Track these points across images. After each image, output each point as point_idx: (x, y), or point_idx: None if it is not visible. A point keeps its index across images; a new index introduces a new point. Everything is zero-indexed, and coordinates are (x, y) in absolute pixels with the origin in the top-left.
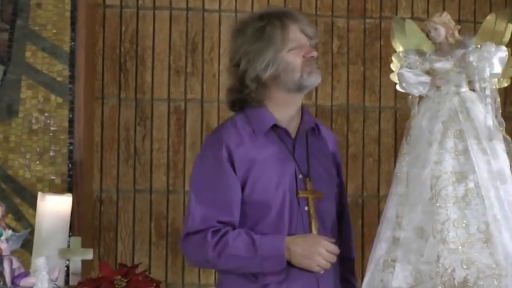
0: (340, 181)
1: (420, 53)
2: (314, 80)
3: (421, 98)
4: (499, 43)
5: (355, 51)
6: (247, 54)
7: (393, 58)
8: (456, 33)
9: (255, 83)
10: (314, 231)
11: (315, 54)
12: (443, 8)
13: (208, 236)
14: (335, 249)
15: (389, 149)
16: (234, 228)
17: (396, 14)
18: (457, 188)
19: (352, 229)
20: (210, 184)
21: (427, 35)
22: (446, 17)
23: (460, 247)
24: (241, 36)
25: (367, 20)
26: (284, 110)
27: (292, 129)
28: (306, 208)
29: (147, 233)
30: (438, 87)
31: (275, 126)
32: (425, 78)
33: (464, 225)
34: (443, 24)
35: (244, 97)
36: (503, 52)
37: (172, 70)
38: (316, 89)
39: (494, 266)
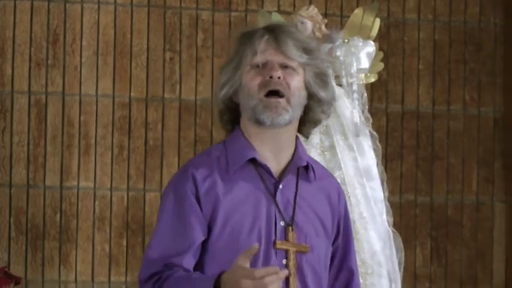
0: (345, 240)
1: None
2: (267, 118)
3: None
4: (366, 37)
5: (220, 45)
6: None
7: None
8: (323, 27)
9: (223, 104)
10: None
11: (278, 74)
12: (310, 2)
13: (148, 285)
14: (261, 272)
15: None
16: (185, 270)
17: (262, 7)
18: None
19: None
20: (166, 221)
21: None
22: (313, 10)
23: None
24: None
25: (233, 13)
26: (264, 142)
27: (278, 168)
28: (284, 262)
29: (6, 229)
30: None
31: (254, 161)
32: None
33: None
34: (310, 18)
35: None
36: (370, 47)
37: (33, 62)
38: (180, 82)
39: (359, 264)
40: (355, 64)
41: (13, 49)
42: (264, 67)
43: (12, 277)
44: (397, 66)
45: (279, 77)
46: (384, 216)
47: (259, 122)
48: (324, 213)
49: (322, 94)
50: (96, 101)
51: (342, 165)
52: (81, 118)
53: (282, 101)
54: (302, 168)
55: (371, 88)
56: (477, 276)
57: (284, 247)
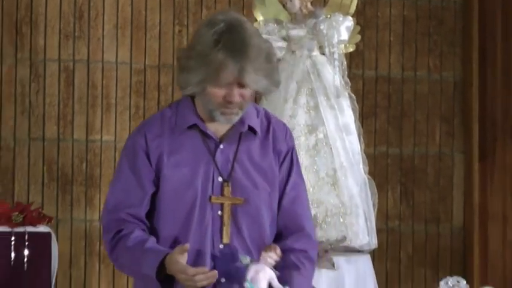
0: (286, 169)
1: (278, 22)
2: (223, 120)
3: (278, 60)
4: (345, 14)
5: None
6: (188, 60)
7: (255, 25)
8: (309, 5)
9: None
10: (225, 237)
11: (236, 100)
12: None
13: (109, 235)
14: (192, 271)
15: None
16: (140, 220)
17: None
18: (308, 139)
19: (305, 224)
20: (125, 172)
21: (284, 6)
22: None
23: (311, 189)
24: (198, 37)
25: None
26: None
27: (222, 131)
28: (220, 213)
29: (40, 176)
30: (293, 51)
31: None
32: (282, 44)
33: (314, 170)
34: None
35: None
36: (349, 22)
37: (62, 34)
38: None
39: (340, 205)
40: (336, 36)
41: (45, 24)
42: (227, 85)
43: (45, 217)
44: (372, 38)
45: (237, 101)
46: (361, 165)
47: (213, 119)
48: (268, 164)
49: (264, 92)
50: (116, 68)
51: (325, 122)
52: (103, 82)
53: (235, 110)
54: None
55: (349, 57)
56: (439, 216)
57: (219, 201)
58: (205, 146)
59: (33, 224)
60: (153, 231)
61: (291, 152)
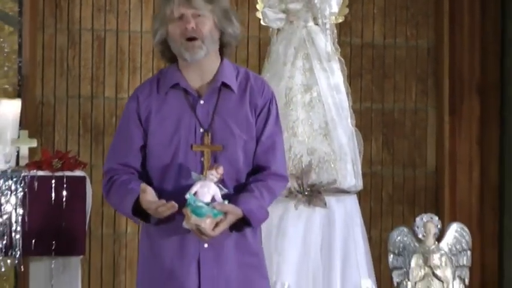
0: (262, 120)
1: None
2: (188, 56)
3: (278, 30)
4: None
5: None
6: (156, 14)
7: (258, 0)
8: None
9: (160, 45)
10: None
11: (190, 26)
12: None
13: (105, 180)
14: (154, 205)
15: (255, 68)
16: (132, 167)
17: None
18: (304, 96)
19: (277, 165)
20: (119, 131)
21: None
22: None
23: (306, 139)
24: None
25: None
26: (190, 71)
27: (202, 87)
28: (202, 159)
29: (77, 128)
30: (291, 22)
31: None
32: (282, 15)
33: (309, 123)
34: None
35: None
36: None
37: (95, 7)
38: None
39: (331, 153)
40: (328, 9)
41: None
42: (181, 19)
43: (81, 163)
44: (358, 11)
45: (192, 27)
46: (349, 119)
47: (183, 59)
48: (244, 115)
49: (229, 30)
50: (140, 36)
51: (318, 82)
52: (130, 48)
53: (197, 42)
54: (224, 85)
55: (339, 26)
56: (415, 161)
57: (199, 149)
58: (187, 102)
59: (71, 169)
60: (148, 181)
61: (268, 105)
